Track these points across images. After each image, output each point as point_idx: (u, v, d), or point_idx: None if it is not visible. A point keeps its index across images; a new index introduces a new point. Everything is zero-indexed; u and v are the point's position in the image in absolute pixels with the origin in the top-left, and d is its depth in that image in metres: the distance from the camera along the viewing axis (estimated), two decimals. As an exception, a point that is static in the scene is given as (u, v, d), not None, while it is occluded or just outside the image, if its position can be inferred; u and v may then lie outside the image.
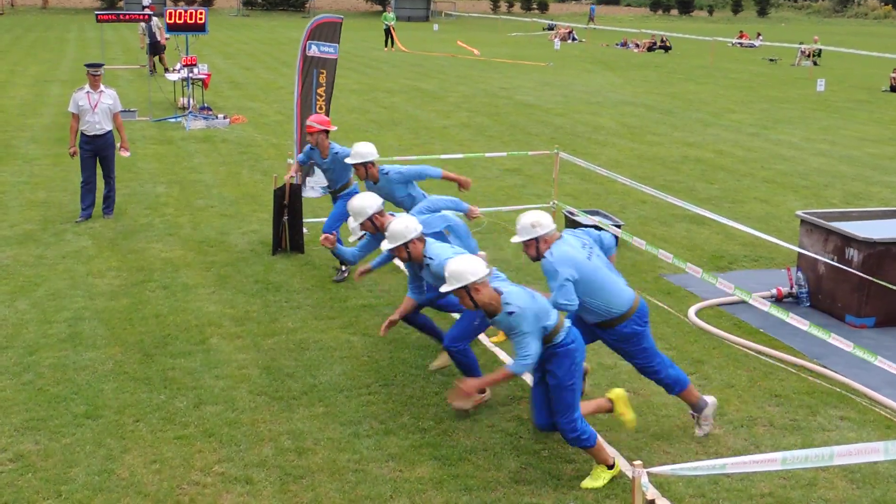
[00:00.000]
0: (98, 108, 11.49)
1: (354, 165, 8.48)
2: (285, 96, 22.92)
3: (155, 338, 8.06)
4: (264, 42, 42.43)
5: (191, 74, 19.92)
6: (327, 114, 11.92)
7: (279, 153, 15.69)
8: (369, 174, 8.52)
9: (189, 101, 20.05)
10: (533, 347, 5.61)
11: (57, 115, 19.35)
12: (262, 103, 22.35)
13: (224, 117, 19.47)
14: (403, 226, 6.52)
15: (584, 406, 6.13)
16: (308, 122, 9.42)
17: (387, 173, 8.52)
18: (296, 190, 10.40)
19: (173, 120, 19.41)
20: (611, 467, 5.91)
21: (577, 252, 6.14)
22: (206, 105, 20.41)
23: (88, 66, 11.64)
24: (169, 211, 12.22)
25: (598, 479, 5.88)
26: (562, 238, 6.22)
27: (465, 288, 5.62)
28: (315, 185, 12.77)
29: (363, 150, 8.47)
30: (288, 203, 10.37)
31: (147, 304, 8.88)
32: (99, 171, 11.76)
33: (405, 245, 6.52)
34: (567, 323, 5.89)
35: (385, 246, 6.66)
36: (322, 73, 12.14)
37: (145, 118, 19.47)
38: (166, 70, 25.06)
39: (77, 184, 12.06)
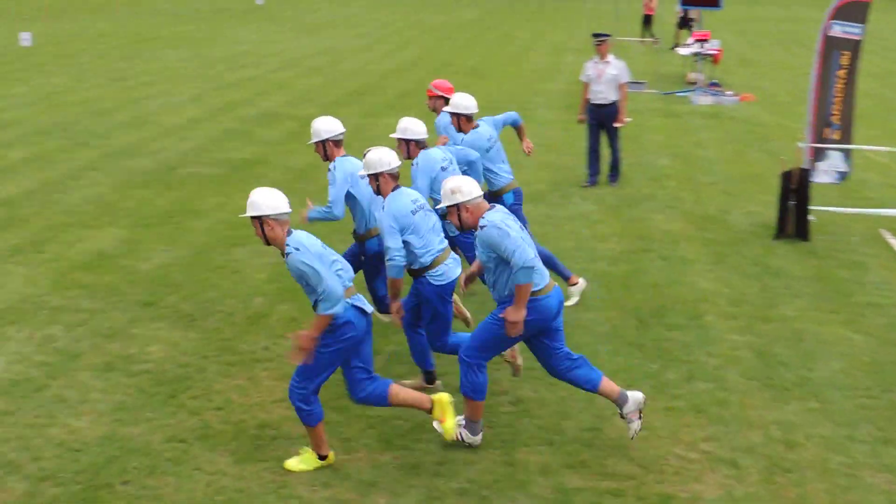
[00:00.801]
0: (603, 77, 12.03)
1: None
2: (797, 77, 22.19)
3: (651, 307, 8.37)
4: (779, 19, 41.20)
5: (701, 50, 20.05)
6: (848, 99, 11.36)
7: (788, 135, 15.30)
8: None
9: (698, 77, 20.22)
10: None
11: (569, 83, 20.54)
12: (772, 82, 21.85)
13: (733, 94, 19.37)
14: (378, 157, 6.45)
15: (403, 394, 5.91)
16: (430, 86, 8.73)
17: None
18: (805, 175, 10.13)
19: (681, 94, 19.70)
20: (322, 458, 5.91)
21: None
22: (715, 81, 20.45)
23: (594, 35, 12.23)
24: (671, 184, 12.52)
25: (306, 462, 5.91)
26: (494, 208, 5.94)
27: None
28: (829, 169, 12.28)
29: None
30: (796, 188, 10.14)
31: (645, 272, 9.23)
32: (604, 139, 12.35)
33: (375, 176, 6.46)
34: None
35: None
36: (844, 55, 11.60)
37: (653, 91, 19.99)
38: (675, 45, 25.46)
39: (584, 149, 12.76)
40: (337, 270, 5.68)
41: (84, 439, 6.20)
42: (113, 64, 23.53)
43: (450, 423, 5.97)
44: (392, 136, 7.49)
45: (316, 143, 7.33)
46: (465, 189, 5.92)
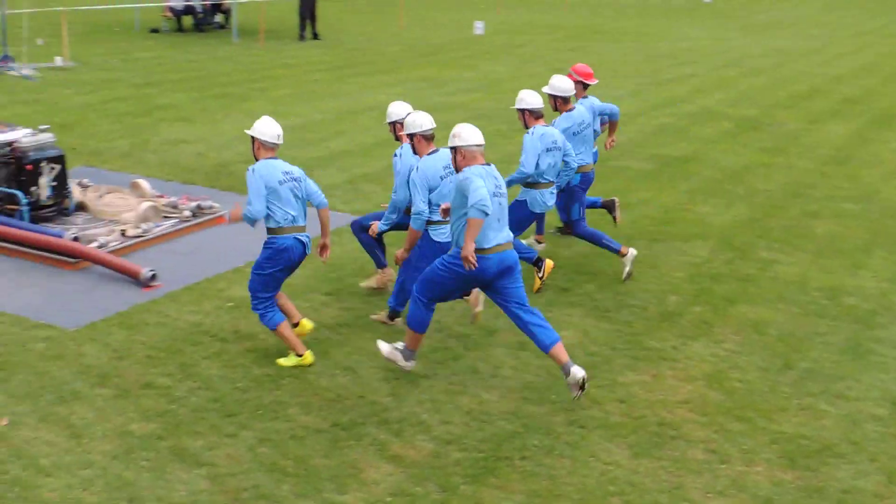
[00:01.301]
0: None
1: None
2: None
3: None
4: None
5: None
6: None
7: None
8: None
9: None
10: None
11: None
12: None
13: None
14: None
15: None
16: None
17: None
18: None
19: None
20: (299, 356, 7.09)
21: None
22: None
23: None
24: None
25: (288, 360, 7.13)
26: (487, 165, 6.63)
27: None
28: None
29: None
30: None
31: None
32: None
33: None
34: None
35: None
36: None
37: None
38: None
39: None
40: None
41: (490, 411, 6.54)
42: (556, 55, 24.48)
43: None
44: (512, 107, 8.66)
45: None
46: (463, 135, 6.63)
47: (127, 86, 17.74)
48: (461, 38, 27.25)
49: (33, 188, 9.61)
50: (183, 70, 19.84)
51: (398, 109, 8.32)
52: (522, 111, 8.52)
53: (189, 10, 26.00)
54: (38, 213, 9.69)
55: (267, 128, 7.03)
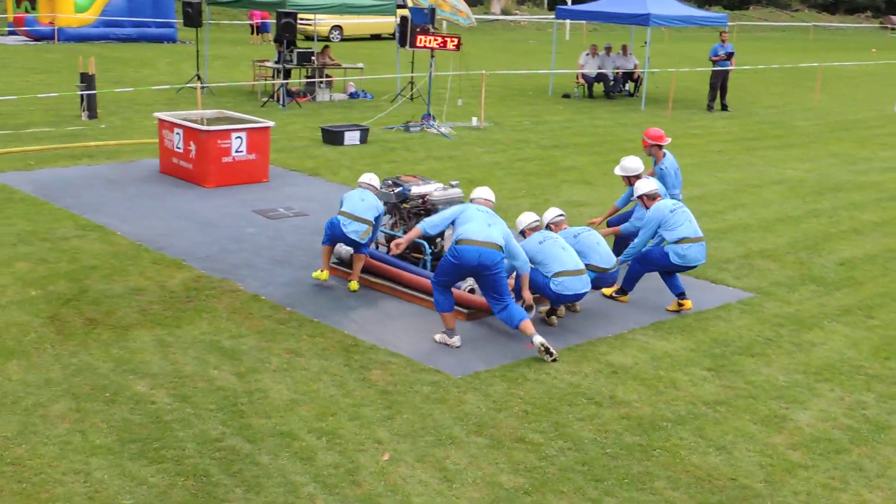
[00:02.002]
0: None
1: None
2: None
3: None
4: None
5: None
6: None
7: None
8: None
9: None
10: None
11: None
12: None
13: None
14: None
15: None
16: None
17: None
18: None
19: None
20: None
21: None
22: None
23: None
24: None
25: None
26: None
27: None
28: None
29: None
30: None
31: None
32: None
33: None
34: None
35: None
36: None
37: None
38: None
39: None
40: None
41: (872, 514, 6.06)
42: None
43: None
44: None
45: None
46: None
47: (535, 147, 18.51)
48: (880, 116, 25.71)
49: (438, 240, 10.27)
50: (589, 134, 20.39)
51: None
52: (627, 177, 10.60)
53: (601, 78, 26.71)
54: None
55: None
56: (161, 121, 14.48)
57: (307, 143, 17.70)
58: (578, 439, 6.94)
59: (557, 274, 8.92)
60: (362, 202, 9.87)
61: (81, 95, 18.82)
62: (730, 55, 25.14)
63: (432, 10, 20.61)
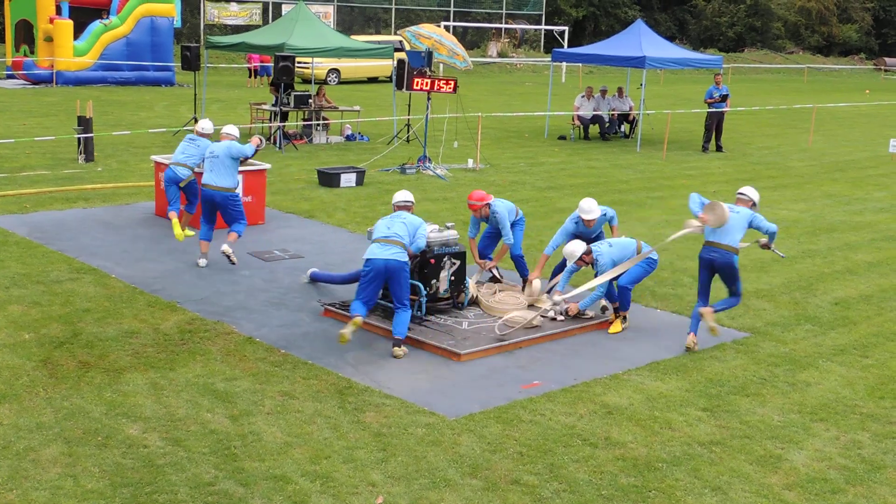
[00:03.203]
0: None
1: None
2: None
3: None
4: None
5: None
6: None
7: None
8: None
9: None
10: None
11: None
12: None
13: None
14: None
15: None
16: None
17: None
18: None
19: None
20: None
21: None
22: None
23: None
24: None
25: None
26: None
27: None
28: None
29: None
30: None
31: None
32: None
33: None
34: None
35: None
36: None
37: None
38: None
39: None
40: None
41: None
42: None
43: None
44: None
45: None
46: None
47: (530, 188, 18.57)
48: (873, 156, 25.84)
49: (434, 281, 10.28)
50: (584, 176, 20.46)
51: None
52: None
53: (596, 120, 26.86)
54: (434, 304, 10.35)
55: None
56: (157, 163, 14.51)
57: (303, 186, 17.76)
58: (574, 481, 6.91)
59: None
60: (183, 152, 12.94)
61: (78, 139, 18.89)
62: (724, 97, 25.31)
63: (429, 54, 20.78)
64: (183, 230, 12.68)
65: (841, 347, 10.05)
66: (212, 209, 12.00)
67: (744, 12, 71.77)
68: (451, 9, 58.42)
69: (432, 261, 10.22)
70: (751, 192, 10.24)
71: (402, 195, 10.16)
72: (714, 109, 25.31)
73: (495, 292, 11.03)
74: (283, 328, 9.92)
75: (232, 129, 12.39)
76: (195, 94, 24.04)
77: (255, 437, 7.36)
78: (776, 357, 9.67)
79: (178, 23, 39.83)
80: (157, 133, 22.95)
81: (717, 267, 9.74)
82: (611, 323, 10.36)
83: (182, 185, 12.88)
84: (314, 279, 11.47)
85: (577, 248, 10.51)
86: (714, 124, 25.33)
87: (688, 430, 7.81)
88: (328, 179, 17.79)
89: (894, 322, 10.97)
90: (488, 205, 11.22)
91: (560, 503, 6.60)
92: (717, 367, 9.30)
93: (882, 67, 72.77)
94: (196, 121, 22.16)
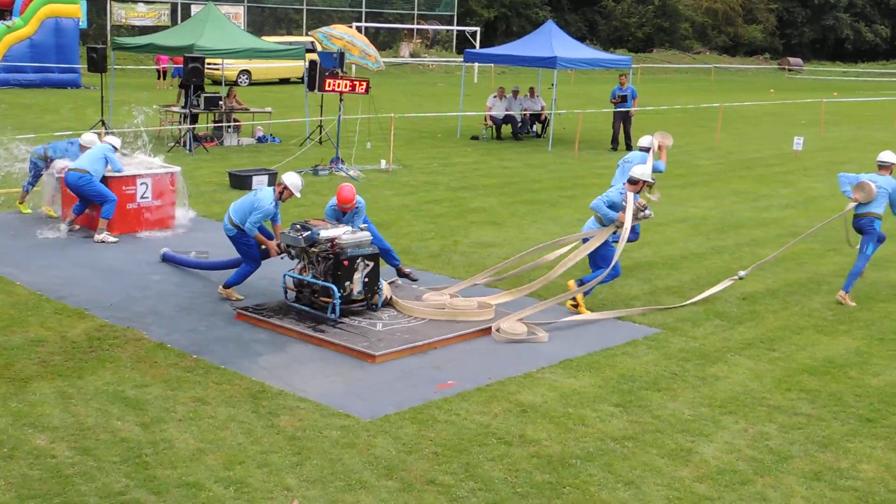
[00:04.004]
0: None
1: None
2: None
3: None
4: None
5: None
6: None
7: None
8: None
9: None
10: None
11: None
12: None
13: None
14: None
15: None
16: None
17: None
18: None
19: None
20: None
21: None
22: None
23: None
24: None
25: None
26: None
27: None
28: None
29: None
30: None
31: None
32: None
33: None
34: None
35: None
36: None
37: None
38: None
39: None
40: None
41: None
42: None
43: None
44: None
45: None
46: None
47: (443, 189, 18.63)
48: (779, 154, 26.51)
49: (347, 283, 10.25)
50: (497, 175, 20.60)
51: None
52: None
53: (508, 120, 27.05)
54: (349, 306, 10.32)
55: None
56: (64, 168, 14.20)
57: (214, 188, 17.55)
58: (489, 480, 6.95)
59: None
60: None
61: (-20, 143, 18.40)
62: (623, 97, 25.73)
63: (341, 55, 20.69)
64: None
65: (749, 341, 10.29)
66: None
67: (652, 13, 72.99)
68: (363, 10, 58.30)
69: (345, 262, 10.19)
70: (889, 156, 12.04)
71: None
72: (619, 109, 25.74)
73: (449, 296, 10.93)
74: (194, 333, 9.79)
75: (114, 140, 13.91)
76: (102, 97, 23.56)
77: (166, 445, 7.25)
78: (686, 352, 9.86)
79: (83, 24, 38.96)
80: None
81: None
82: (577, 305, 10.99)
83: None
84: (166, 259, 12.06)
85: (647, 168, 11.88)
86: (619, 123, 25.76)
87: (601, 426, 7.92)
88: (240, 182, 17.61)
89: (800, 316, 11.27)
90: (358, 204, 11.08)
91: (476, 502, 6.64)
92: (629, 363, 9.45)
93: (786, 67, 74.70)
94: (103, 123, 21.77)
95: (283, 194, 10.77)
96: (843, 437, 7.87)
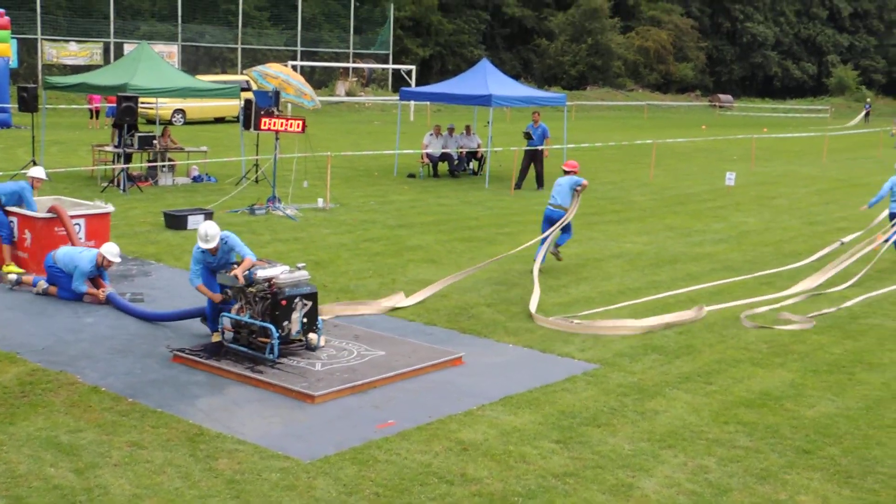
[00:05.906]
0: None
1: None
2: None
3: None
4: None
5: None
6: None
7: None
8: None
9: None
10: None
11: None
12: None
13: None
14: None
15: None
16: None
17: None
18: None
19: None
20: None
21: None
22: None
23: None
24: None
25: None
26: None
27: None
28: None
29: None
30: None
31: None
32: None
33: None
34: None
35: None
36: None
37: None
38: None
39: None
40: None
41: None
42: (810, 208, 23.79)
43: None
44: None
45: None
46: None
47: (381, 227, 18.64)
48: (711, 189, 26.99)
49: (285, 322, 10.18)
50: (434, 213, 20.67)
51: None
52: None
53: (445, 157, 27.21)
54: (287, 346, 10.25)
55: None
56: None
57: (149, 229, 17.36)
58: (431, 519, 6.92)
59: None
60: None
61: None
62: (528, 136, 25.20)
63: (276, 93, 20.67)
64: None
65: (686, 375, 10.41)
66: None
67: (585, 52, 74.17)
68: (299, 48, 58.38)
69: (283, 302, 10.13)
70: None
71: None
72: (528, 147, 25.45)
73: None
74: (129, 376, 9.64)
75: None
76: (33, 136, 23.24)
77: (101, 491, 7.11)
78: (625, 387, 9.94)
79: (14, 63, 38.45)
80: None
81: None
82: None
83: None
84: (112, 301, 12.00)
85: None
86: (528, 162, 25.33)
87: (542, 463, 7.94)
88: (175, 222, 17.44)
89: (735, 349, 11.43)
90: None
91: (418, 542, 6.60)
92: (569, 399, 9.50)
93: (717, 104, 76.25)
94: (35, 163, 21.43)
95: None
96: (781, 469, 7.98)
